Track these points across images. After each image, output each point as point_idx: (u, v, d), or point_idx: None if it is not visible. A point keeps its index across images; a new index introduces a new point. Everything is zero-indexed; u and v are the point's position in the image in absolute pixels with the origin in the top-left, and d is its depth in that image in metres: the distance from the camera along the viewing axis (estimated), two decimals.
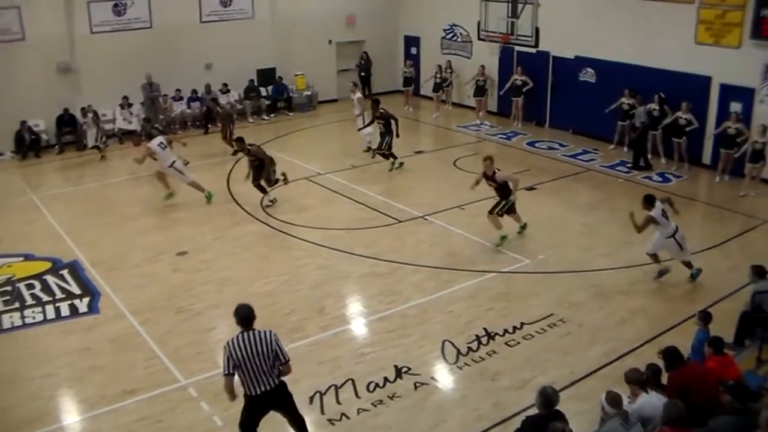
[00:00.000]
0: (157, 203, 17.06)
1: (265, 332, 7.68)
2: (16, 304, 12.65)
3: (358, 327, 11.81)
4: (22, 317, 12.24)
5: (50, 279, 13.56)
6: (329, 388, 9.95)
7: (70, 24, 22.67)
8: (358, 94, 21.47)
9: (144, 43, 23.51)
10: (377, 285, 13.01)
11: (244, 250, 14.72)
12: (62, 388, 10.35)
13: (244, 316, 7.70)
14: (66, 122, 22.66)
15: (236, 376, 7.62)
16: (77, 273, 13.75)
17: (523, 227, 14.77)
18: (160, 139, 17.10)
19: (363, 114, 20.85)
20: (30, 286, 13.28)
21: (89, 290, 13.09)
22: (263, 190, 16.84)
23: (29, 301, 12.78)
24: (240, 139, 17.23)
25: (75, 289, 13.17)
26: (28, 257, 14.53)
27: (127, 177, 19.44)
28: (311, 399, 9.71)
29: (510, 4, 23.50)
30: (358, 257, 14.01)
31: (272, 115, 26.09)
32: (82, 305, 12.56)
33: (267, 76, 26.52)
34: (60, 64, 22.54)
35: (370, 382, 10.04)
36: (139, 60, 23.23)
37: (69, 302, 12.67)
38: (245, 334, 7.61)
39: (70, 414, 9.81)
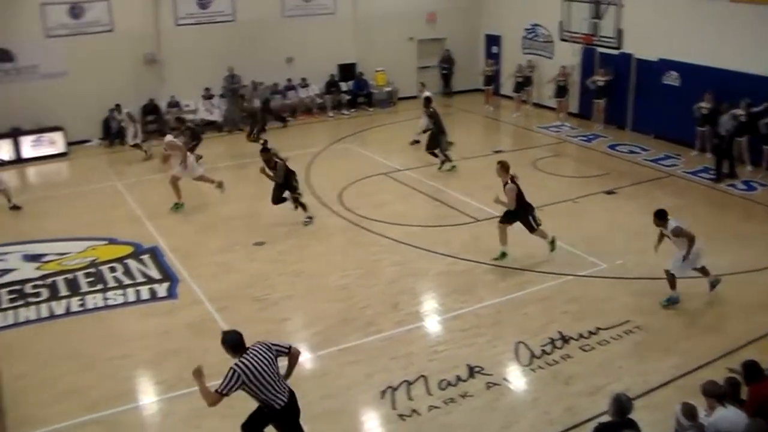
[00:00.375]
0: (233, 193, 17.21)
1: (257, 345, 7.53)
2: (100, 286, 12.98)
3: (432, 324, 11.74)
4: (105, 299, 12.58)
5: (131, 263, 13.89)
6: (401, 383, 9.91)
7: (157, 17, 23.23)
8: (426, 93, 21.39)
9: (227, 36, 23.93)
10: (452, 283, 12.92)
11: (321, 243, 14.80)
12: (140, 369, 10.58)
13: (236, 342, 7.47)
14: (150, 111, 23.23)
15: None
16: (157, 258, 14.05)
17: (552, 243, 13.78)
18: (172, 135, 17.19)
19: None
20: (112, 269, 13.63)
21: (168, 276, 13.35)
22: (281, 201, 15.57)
23: (111, 283, 13.11)
24: (265, 149, 15.58)
25: (155, 273, 13.45)
26: (111, 241, 14.91)
27: (207, 166, 19.71)
28: (383, 393, 9.70)
29: (593, 5, 23.08)
30: (434, 255, 13.95)
31: (352, 110, 26.20)
32: (162, 290, 12.82)
33: (348, 71, 26.65)
34: (146, 55, 23.12)
35: (442, 380, 9.97)
36: (222, 53, 23.68)
37: (149, 286, 12.96)
38: (246, 355, 7.39)
39: (147, 395, 10.04)
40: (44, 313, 12.30)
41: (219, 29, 24.00)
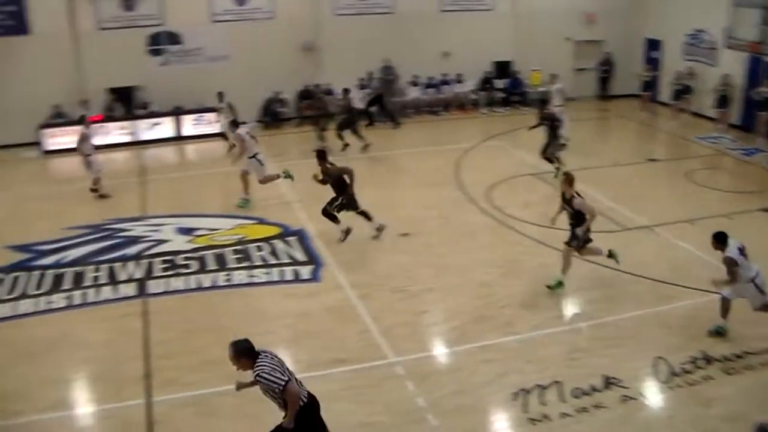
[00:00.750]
0: (385, 181, 17.26)
1: (267, 351, 7.48)
2: (246, 263, 13.32)
3: (571, 330, 11.30)
4: (250, 276, 12.89)
5: (278, 243, 14.19)
6: (534, 387, 9.59)
7: (316, 5, 23.76)
8: (558, 85, 20.72)
9: (384, 27, 24.17)
10: (595, 290, 12.43)
11: (466, 239, 14.61)
12: (278, 348, 10.59)
13: (246, 348, 7.33)
14: (306, 97, 23.75)
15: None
16: (303, 241, 14.29)
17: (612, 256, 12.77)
18: (246, 128, 17.15)
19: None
20: (259, 248, 13.97)
21: (313, 259, 13.54)
22: (333, 219, 14.50)
23: (257, 261, 13.43)
24: (321, 154, 14.60)
25: (300, 256, 13.67)
26: (260, 221, 15.31)
27: (360, 156, 19.92)
28: (515, 395, 9.42)
29: (764, 11, 21.74)
30: (578, 260, 13.51)
31: (506, 109, 25.85)
32: (305, 272, 13.01)
33: (503, 69, 26.36)
34: (305, 42, 23.59)
35: (576, 388, 9.58)
36: (378, 43, 23.91)
37: (293, 267, 13.18)
38: (261, 355, 7.33)
39: None
40: (192, 284, 12.76)
41: (377, 20, 24.26)
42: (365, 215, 14.51)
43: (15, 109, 21.60)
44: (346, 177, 14.31)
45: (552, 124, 17.96)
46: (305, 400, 7.46)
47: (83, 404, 9.74)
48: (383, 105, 23.83)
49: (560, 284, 12.31)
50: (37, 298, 12.42)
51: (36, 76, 22.01)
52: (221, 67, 22.89)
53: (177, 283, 12.82)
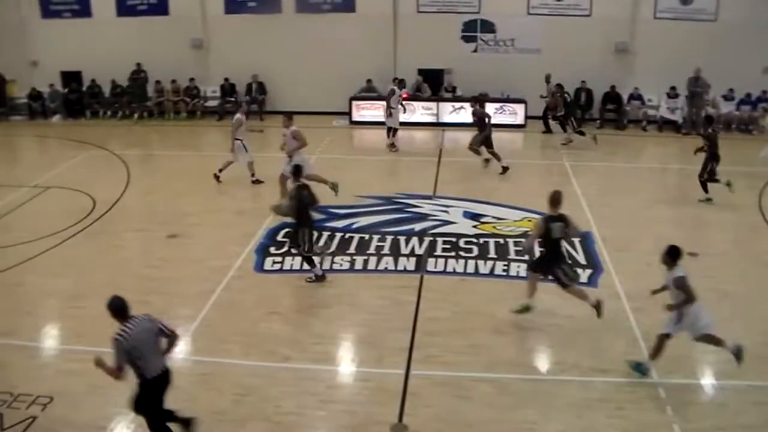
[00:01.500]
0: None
1: (142, 316, 7.77)
2: (526, 257, 13.25)
3: None
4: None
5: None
6: None
7: (634, 7, 22.90)
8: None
9: (704, 35, 22.63)
10: None
11: (759, 267, 13.44)
12: (543, 345, 10.65)
13: (119, 307, 7.66)
14: (611, 99, 23.17)
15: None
16: (587, 244, 13.91)
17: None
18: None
19: None
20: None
21: (594, 263, 13.17)
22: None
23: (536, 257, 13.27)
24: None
25: (581, 258, 13.35)
26: None
27: (654, 164, 19.10)
28: None
29: None
30: None
31: None
32: (583, 276, 12.64)
33: None
34: (617, 44, 23.00)
35: None
36: (694, 52, 22.39)
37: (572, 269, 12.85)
38: (128, 322, 7.61)
39: (541, 370, 10.15)
40: (470, 269, 12.97)
41: (696, 27, 22.81)
42: None
43: (333, 80, 23.43)
44: None
45: (712, 144, 16.16)
46: (153, 374, 7.76)
47: (347, 363, 10.31)
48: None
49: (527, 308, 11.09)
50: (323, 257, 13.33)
51: (355, 51, 23.72)
52: (531, 59, 22.94)
53: (456, 265, 13.09)
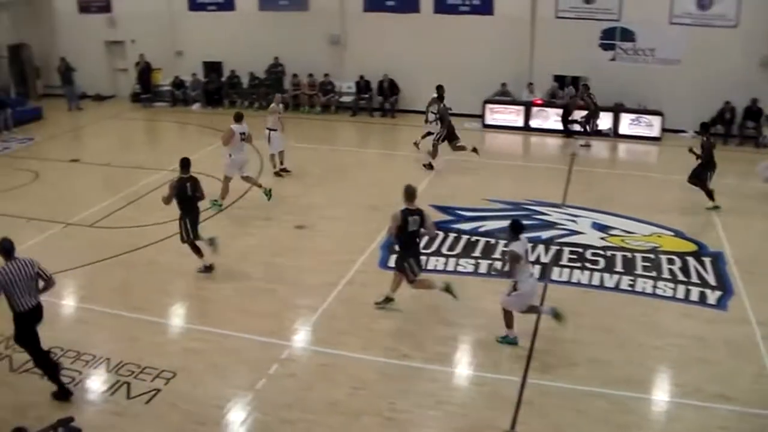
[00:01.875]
0: None
1: (25, 259, 9.07)
2: (653, 273, 13.02)
3: None
4: (654, 287, 12.57)
5: (691, 261, 13.56)
6: None
7: None
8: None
9: None
10: None
11: None
12: (664, 365, 10.41)
13: (6, 248, 9.02)
14: (750, 116, 22.10)
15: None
16: (718, 265, 13.49)
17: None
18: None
19: None
20: (670, 261, 13.52)
21: (724, 285, 12.74)
22: None
23: (665, 274, 13.03)
24: None
25: (711, 279, 12.95)
26: (678, 234, 14.79)
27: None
28: None
29: None
30: None
31: None
32: (712, 297, 12.29)
33: None
34: (763, 58, 21.88)
35: None
36: None
37: (700, 289, 12.52)
38: (9, 262, 8.92)
39: (661, 391, 9.90)
40: (595, 281, 12.83)
41: None
42: None
43: (468, 82, 23.39)
44: None
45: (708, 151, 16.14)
46: (24, 308, 8.99)
47: (463, 365, 10.45)
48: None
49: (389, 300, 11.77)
50: (447, 259, 13.55)
51: (491, 53, 23.69)
52: (670, 70, 22.28)
53: (580, 276, 12.99)
